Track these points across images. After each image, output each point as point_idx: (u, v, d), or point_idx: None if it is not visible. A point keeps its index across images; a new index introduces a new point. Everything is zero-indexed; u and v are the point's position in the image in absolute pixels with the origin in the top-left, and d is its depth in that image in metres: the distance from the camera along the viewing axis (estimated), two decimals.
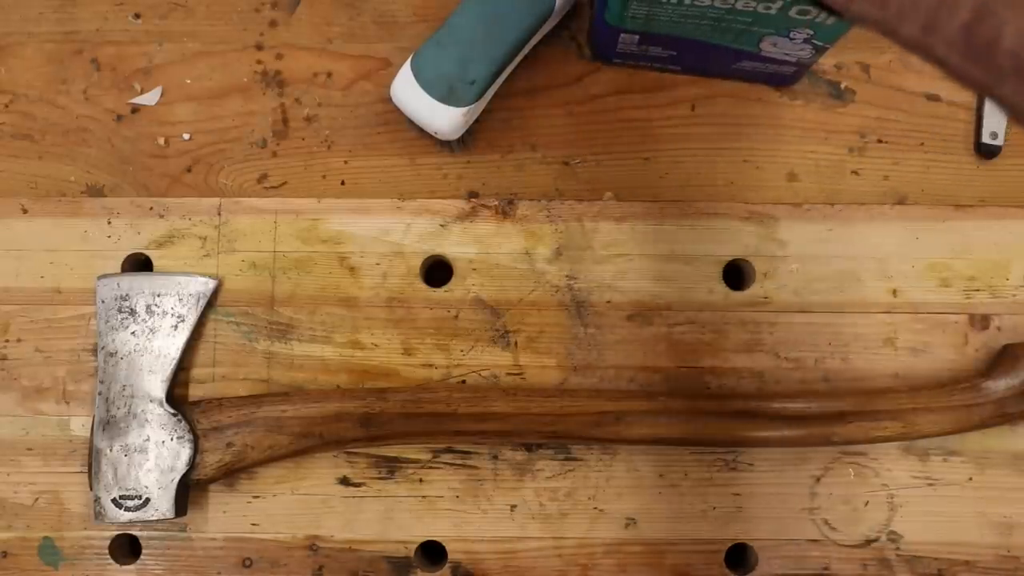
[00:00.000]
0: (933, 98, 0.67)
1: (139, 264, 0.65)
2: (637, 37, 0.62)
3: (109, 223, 0.65)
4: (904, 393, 0.61)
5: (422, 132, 0.66)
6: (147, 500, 0.59)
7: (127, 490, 0.59)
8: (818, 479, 0.63)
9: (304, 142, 0.67)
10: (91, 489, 0.60)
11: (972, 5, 0.33)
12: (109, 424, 0.60)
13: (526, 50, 0.65)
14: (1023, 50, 0.32)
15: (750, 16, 0.56)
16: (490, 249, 0.65)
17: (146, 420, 0.60)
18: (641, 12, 0.58)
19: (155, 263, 0.65)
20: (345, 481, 0.63)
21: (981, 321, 0.64)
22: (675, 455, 0.63)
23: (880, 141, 0.67)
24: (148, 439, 0.60)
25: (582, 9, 0.68)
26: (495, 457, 0.63)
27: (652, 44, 0.63)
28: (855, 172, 0.67)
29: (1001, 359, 0.62)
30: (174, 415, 0.60)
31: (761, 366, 0.64)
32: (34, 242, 0.65)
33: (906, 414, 0.60)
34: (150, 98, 0.67)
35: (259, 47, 0.67)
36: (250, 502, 0.63)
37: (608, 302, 0.64)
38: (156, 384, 0.61)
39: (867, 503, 0.63)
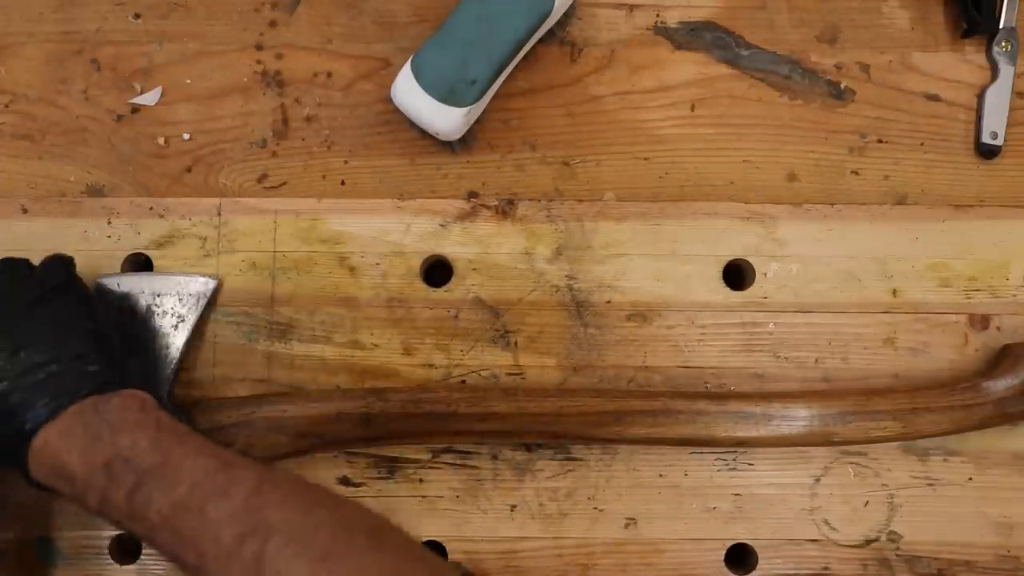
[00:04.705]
0: (933, 98, 0.67)
1: (139, 264, 0.65)
2: None
3: (109, 223, 0.65)
4: (904, 393, 0.61)
5: (422, 132, 0.65)
6: None
7: None
8: (818, 479, 0.63)
9: (304, 142, 0.67)
10: None
11: (130, 481, 0.47)
12: None
13: (526, 50, 0.65)
14: (168, 510, 0.46)
15: None
16: (490, 249, 0.65)
17: None
18: None
19: (155, 263, 0.64)
20: (345, 481, 0.63)
21: (981, 321, 0.64)
22: (675, 455, 0.63)
23: (880, 141, 0.67)
24: None
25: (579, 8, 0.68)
26: (495, 457, 0.63)
27: None
28: (855, 172, 0.67)
29: (1001, 359, 0.62)
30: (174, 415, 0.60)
31: (761, 366, 0.64)
32: (34, 242, 0.64)
33: (906, 414, 0.60)
34: (150, 98, 0.67)
35: (259, 47, 0.67)
36: None
37: (608, 302, 0.64)
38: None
39: (867, 503, 0.63)
